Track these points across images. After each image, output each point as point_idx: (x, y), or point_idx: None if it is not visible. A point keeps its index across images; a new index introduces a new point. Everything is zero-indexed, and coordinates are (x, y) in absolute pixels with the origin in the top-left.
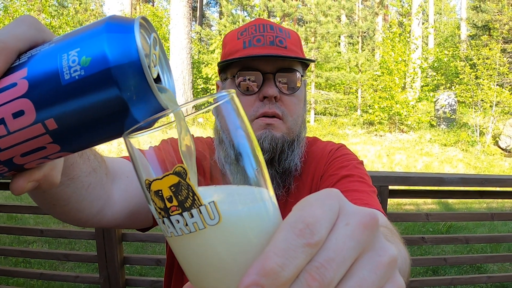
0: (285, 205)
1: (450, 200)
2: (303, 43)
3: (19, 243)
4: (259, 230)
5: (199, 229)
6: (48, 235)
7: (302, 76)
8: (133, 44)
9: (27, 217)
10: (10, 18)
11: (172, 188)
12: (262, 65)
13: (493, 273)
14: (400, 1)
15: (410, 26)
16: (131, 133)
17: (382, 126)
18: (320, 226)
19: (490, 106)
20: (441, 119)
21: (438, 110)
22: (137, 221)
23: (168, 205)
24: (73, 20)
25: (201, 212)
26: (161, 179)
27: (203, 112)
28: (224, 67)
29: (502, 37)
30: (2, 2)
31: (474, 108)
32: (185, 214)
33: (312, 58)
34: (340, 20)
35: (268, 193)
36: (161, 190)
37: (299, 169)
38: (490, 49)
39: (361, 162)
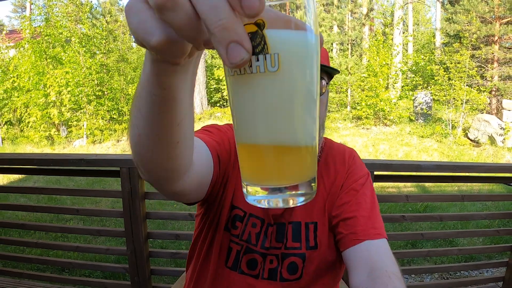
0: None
1: (426, 184)
2: None
3: (58, 220)
4: (305, 91)
5: (259, 72)
6: (82, 214)
7: (327, 83)
8: None
9: (64, 198)
10: (52, 28)
11: (249, 34)
12: None
13: (463, 246)
14: (383, 14)
15: (392, 35)
16: None
17: (368, 121)
18: None
19: (461, 103)
20: (419, 115)
21: (416, 106)
22: (199, 193)
23: None
24: (105, 30)
25: (265, 59)
26: (243, 25)
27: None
28: None
29: (471, 44)
30: (43, 15)
31: (447, 105)
32: (253, 57)
33: (337, 69)
34: (332, 30)
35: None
36: None
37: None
38: (461, 55)
39: (369, 173)
